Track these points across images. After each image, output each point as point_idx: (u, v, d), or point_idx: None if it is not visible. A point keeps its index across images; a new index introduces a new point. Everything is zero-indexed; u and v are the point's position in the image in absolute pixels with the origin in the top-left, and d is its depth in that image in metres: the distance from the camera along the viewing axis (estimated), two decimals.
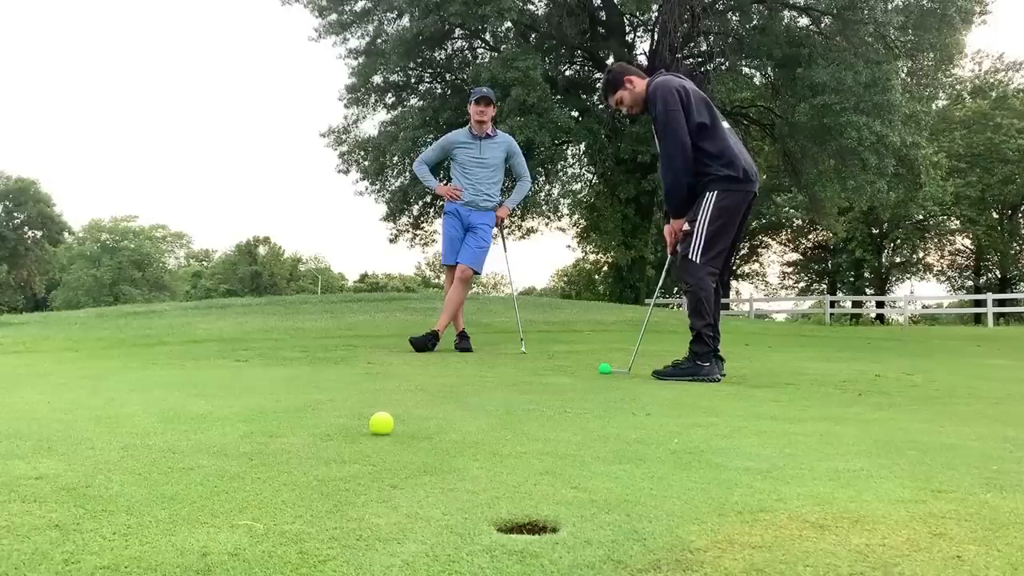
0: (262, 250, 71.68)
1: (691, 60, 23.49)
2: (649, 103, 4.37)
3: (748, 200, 4.38)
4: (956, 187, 30.45)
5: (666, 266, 5.14)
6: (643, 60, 23.45)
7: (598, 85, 24.64)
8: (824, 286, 42.67)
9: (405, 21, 22.48)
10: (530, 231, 28.15)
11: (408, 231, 26.63)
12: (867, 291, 40.33)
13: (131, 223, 68.18)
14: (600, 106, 23.92)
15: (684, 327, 4.87)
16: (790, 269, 45.47)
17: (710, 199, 4.25)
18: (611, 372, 4.49)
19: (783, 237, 43.98)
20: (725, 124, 4.41)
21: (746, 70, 23.95)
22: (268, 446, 2.22)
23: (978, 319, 28.63)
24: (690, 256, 4.28)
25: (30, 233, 64.05)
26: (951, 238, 40.75)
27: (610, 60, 23.87)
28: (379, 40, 23.46)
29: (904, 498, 1.71)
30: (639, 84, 4.49)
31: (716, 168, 4.24)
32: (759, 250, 44.87)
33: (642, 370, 4.55)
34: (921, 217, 36.45)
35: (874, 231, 39.09)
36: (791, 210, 37.10)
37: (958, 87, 35.70)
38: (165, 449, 2.16)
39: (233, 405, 3.00)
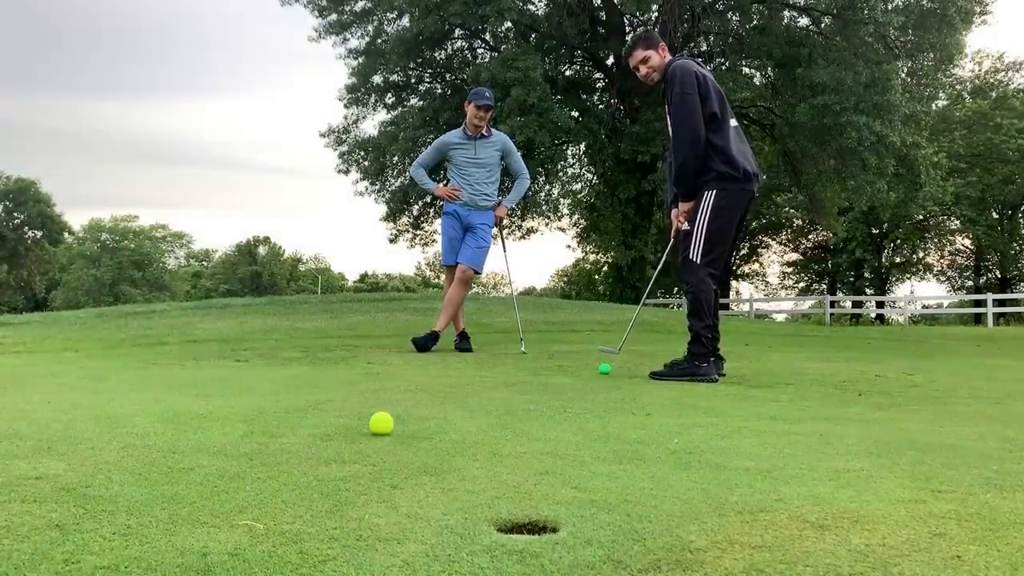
0: (262, 250, 71.69)
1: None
2: (667, 81, 4.38)
3: (747, 200, 4.39)
4: (956, 187, 30.42)
5: (667, 250, 5.16)
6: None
7: (599, 84, 24.69)
8: (824, 286, 42.63)
9: (405, 21, 22.48)
10: (530, 231, 28.14)
11: (408, 231, 26.63)
12: (867, 291, 40.29)
13: (131, 223, 68.15)
14: (600, 106, 23.92)
15: (683, 327, 4.87)
16: (790, 269, 45.46)
17: (708, 199, 4.25)
18: (609, 372, 4.48)
19: (783, 237, 43.95)
20: (733, 122, 4.43)
21: (746, 70, 23.94)
22: (268, 446, 2.22)
23: (978, 319, 28.62)
24: (690, 257, 4.29)
25: (30, 233, 64.04)
26: (951, 238, 40.72)
27: (610, 60, 23.88)
28: (379, 40, 23.46)
29: (904, 498, 1.71)
30: (667, 55, 4.54)
31: (715, 163, 4.25)
32: (759, 250, 44.84)
33: (641, 371, 4.55)
34: (921, 217, 36.42)
35: (874, 231, 39.06)
36: (791, 210, 37.09)
37: (958, 87, 35.65)
38: (165, 449, 2.16)
39: (233, 405, 3.00)
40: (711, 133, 4.26)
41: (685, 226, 4.35)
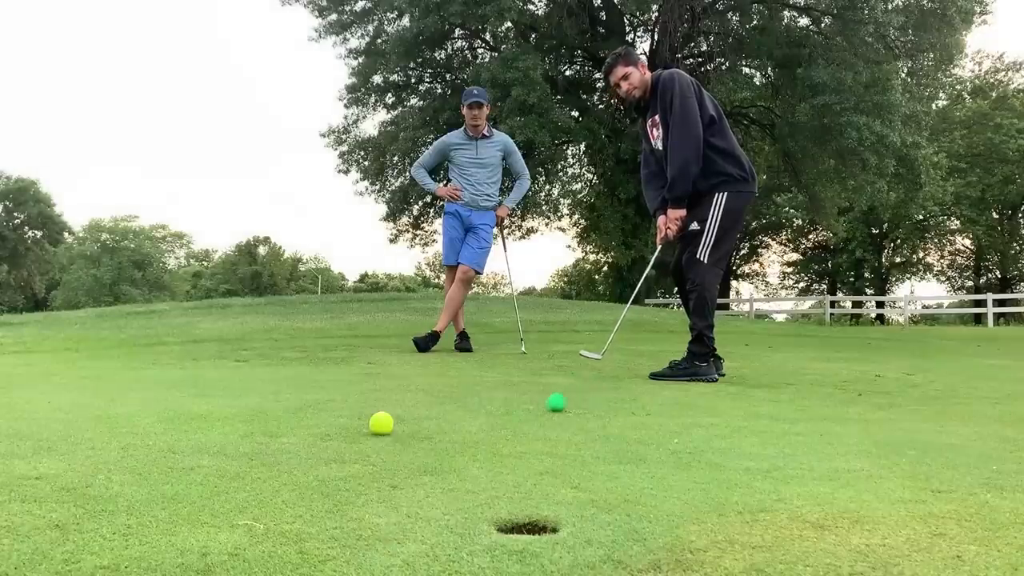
0: (262, 250, 71.63)
1: (691, 60, 23.48)
2: (661, 89, 4.35)
3: (751, 201, 4.46)
4: (956, 187, 30.44)
5: (653, 259, 5.16)
6: (643, 60, 23.44)
7: (599, 84, 24.69)
8: (824, 286, 42.63)
9: (405, 21, 22.49)
10: (530, 231, 28.18)
11: (408, 231, 26.65)
12: (867, 291, 40.29)
13: (131, 223, 68.04)
14: (600, 106, 23.92)
15: (683, 328, 4.87)
16: (790, 269, 45.46)
17: (720, 200, 4.25)
18: (562, 408, 2.98)
19: (783, 237, 43.97)
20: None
21: (746, 70, 23.96)
22: (268, 446, 2.22)
23: (978, 319, 28.60)
24: (699, 256, 4.28)
25: (30, 233, 64.05)
26: (951, 238, 40.74)
27: None
28: (379, 40, 23.48)
29: (904, 498, 1.71)
30: (647, 72, 4.52)
31: (725, 166, 4.26)
32: (759, 250, 44.85)
33: (641, 371, 4.55)
34: (921, 217, 36.43)
35: (874, 231, 39.08)
36: (791, 210, 37.09)
37: (958, 87, 35.66)
38: (165, 449, 2.16)
39: (233, 405, 3.00)
40: (713, 137, 4.27)
41: (694, 226, 4.32)
